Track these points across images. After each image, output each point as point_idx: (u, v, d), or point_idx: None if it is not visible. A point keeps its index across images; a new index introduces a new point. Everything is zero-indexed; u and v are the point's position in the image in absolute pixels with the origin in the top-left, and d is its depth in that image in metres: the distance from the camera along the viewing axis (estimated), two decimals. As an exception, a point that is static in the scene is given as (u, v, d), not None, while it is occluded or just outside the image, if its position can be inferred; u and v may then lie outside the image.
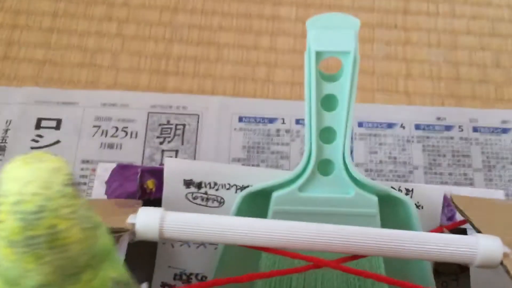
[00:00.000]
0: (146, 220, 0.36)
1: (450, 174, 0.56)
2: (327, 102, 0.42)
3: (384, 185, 0.44)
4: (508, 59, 0.62)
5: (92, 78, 0.60)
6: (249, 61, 0.62)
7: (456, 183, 0.56)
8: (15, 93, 0.57)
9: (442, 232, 0.42)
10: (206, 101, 0.59)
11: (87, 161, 0.56)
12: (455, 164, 0.57)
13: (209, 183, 0.48)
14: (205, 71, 0.61)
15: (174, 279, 0.50)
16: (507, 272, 0.33)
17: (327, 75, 0.42)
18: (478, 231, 0.39)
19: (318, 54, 0.41)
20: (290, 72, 0.61)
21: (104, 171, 0.49)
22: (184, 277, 0.51)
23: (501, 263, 0.34)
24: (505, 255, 0.34)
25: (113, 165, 0.49)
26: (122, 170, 0.49)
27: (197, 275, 0.51)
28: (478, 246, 0.35)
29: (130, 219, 0.36)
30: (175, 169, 0.48)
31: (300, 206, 0.44)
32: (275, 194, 0.44)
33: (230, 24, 0.64)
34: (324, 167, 0.44)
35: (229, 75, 0.61)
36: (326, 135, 0.43)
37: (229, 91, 0.60)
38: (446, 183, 0.56)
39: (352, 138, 0.58)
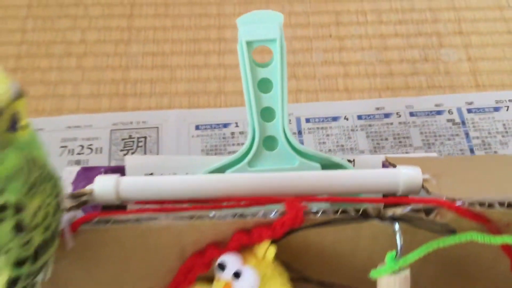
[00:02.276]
0: (103, 185, 0.39)
1: (394, 154, 0.61)
2: (263, 85, 0.47)
3: (325, 154, 0.49)
4: (434, 54, 0.69)
5: (56, 107, 0.65)
6: (200, 78, 0.67)
7: (400, 162, 0.60)
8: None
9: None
10: (164, 115, 0.64)
11: (56, 179, 0.60)
12: (397, 145, 0.62)
13: (169, 175, 0.52)
14: (161, 90, 0.66)
15: None
16: (427, 191, 0.37)
17: (260, 63, 0.47)
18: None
19: (249, 44, 0.46)
20: (239, 83, 0.66)
21: (69, 173, 0.53)
22: None
23: (422, 187, 0.38)
24: (425, 180, 0.38)
25: (77, 168, 0.53)
26: (86, 172, 0.53)
27: None
28: (399, 175, 0.39)
29: (89, 186, 0.40)
30: (136, 165, 0.52)
31: (252, 178, 0.48)
32: (227, 172, 0.48)
33: (180, 49, 0.69)
34: (269, 143, 0.49)
35: (183, 91, 0.66)
36: (266, 114, 0.48)
37: (184, 105, 0.65)
38: (391, 162, 0.60)
39: (301, 132, 0.63)
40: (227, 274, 0.32)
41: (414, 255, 0.32)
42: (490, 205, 0.33)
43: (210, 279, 0.35)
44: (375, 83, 0.67)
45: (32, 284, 0.30)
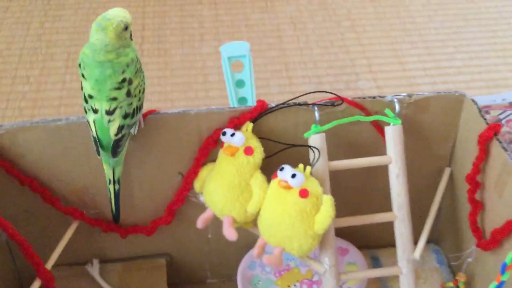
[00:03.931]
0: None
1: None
2: (239, 84, 0.76)
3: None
4: (354, 85, 1.00)
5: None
6: (193, 105, 0.96)
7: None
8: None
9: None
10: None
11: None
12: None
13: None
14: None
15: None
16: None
17: (236, 72, 0.76)
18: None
19: (229, 59, 0.76)
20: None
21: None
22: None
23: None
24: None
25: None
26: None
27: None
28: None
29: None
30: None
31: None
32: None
33: (177, 88, 0.99)
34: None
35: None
36: (242, 101, 0.77)
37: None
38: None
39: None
40: (227, 137, 0.59)
41: (327, 126, 0.60)
42: (364, 98, 0.61)
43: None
44: (315, 104, 0.97)
45: (128, 133, 0.56)
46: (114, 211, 0.62)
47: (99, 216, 0.66)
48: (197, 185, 0.63)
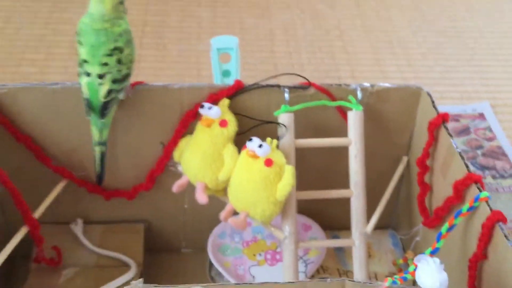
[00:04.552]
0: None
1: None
2: (225, 73, 0.83)
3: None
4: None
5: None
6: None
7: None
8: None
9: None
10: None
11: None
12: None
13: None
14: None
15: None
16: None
17: (223, 63, 0.83)
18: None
19: (218, 50, 0.83)
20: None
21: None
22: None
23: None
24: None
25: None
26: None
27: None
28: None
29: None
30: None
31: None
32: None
33: (171, 73, 1.06)
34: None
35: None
36: None
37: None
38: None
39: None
40: (205, 110, 0.66)
41: (296, 107, 0.66)
42: (331, 85, 0.68)
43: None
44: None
45: (117, 97, 0.63)
46: (99, 172, 0.69)
47: (85, 178, 0.72)
48: (176, 154, 0.70)
